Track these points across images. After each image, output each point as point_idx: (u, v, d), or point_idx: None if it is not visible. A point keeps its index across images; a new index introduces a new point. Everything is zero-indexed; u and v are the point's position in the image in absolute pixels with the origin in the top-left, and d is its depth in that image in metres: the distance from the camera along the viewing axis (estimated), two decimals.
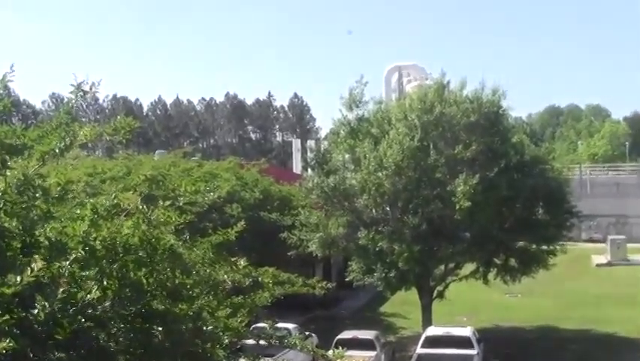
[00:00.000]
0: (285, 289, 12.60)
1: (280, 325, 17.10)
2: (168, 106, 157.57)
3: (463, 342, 28.49)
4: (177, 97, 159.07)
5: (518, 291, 43.15)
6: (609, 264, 61.10)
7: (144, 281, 8.37)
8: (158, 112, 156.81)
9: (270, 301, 12.18)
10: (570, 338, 35.90)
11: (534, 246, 34.39)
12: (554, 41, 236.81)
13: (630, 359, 31.57)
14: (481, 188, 30.27)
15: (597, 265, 61.45)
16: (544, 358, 32.17)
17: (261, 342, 11.38)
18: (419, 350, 28.41)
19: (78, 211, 7.92)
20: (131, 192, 8.61)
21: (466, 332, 29.61)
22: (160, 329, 8.43)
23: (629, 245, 62.92)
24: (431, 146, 31.97)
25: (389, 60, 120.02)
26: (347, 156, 34.84)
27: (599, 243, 69.48)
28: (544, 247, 34.51)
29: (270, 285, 11.81)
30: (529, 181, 32.87)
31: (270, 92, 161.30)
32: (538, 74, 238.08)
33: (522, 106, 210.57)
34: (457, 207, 30.07)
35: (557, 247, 34.81)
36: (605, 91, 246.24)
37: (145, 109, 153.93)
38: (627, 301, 43.37)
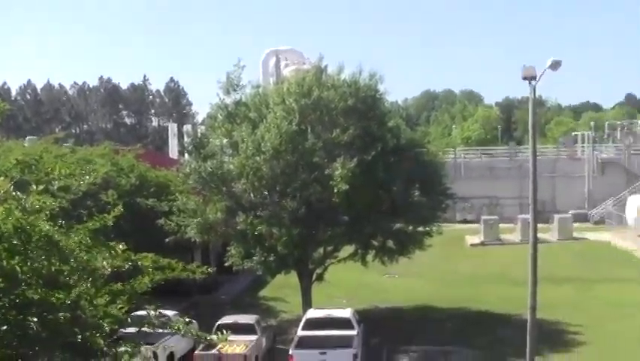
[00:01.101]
0: (166, 274, 12.36)
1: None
2: (38, 90, 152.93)
3: (343, 323, 28.75)
4: (48, 81, 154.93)
5: (396, 272, 43.89)
6: (482, 244, 62.86)
7: (18, 270, 8.05)
8: (28, 97, 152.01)
9: (149, 287, 11.94)
10: (447, 316, 36.77)
11: (411, 227, 34.91)
12: (430, 28, 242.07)
13: (502, 334, 32.58)
14: (358, 171, 30.51)
15: (471, 245, 63.14)
16: (422, 336, 32.78)
17: (145, 329, 11.17)
18: (300, 332, 28.52)
19: None
20: (1, 178, 8.26)
21: (346, 313, 29.89)
22: (35, 319, 8.13)
23: (500, 225, 64.80)
24: (309, 130, 32.03)
25: (267, 44, 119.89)
26: (225, 140, 34.54)
27: (472, 223, 71.40)
28: (421, 229, 35.07)
29: (150, 270, 11.56)
30: (405, 164, 33.33)
31: (145, 76, 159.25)
32: (415, 60, 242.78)
33: (398, 91, 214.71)
34: (335, 190, 30.25)
35: (433, 228, 35.40)
36: (479, 77, 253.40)
37: (13, 93, 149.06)
38: (499, 280, 44.82)
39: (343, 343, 27.04)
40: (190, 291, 38.75)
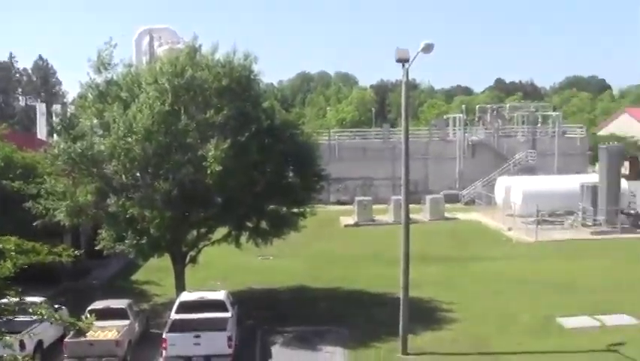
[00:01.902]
0: (30, 259, 11.83)
1: (26, 299, 16.25)
2: None
3: (217, 306, 28.60)
4: None
5: (270, 253, 43.95)
6: (356, 224, 63.77)
7: None
8: None
9: (13, 272, 11.42)
10: (321, 297, 37.00)
11: (285, 209, 34.93)
12: (305, 9, 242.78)
13: (377, 312, 33.08)
14: (232, 152, 30.22)
15: (345, 226, 63.90)
16: (297, 317, 32.94)
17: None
18: (173, 315, 28.22)
19: None
20: None
21: (220, 295, 29.71)
22: None
23: (374, 206, 65.92)
24: (182, 110, 31.50)
25: (140, 23, 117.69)
26: (95, 120, 33.57)
27: (346, 205, 72.25)
28: (295, 210, 35.14)
29: (13, 254, 11.04)
30: (279, 146, 33.25)
31: (11, 54, 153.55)
32: (290, 42, 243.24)
33: (273, 72, 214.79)
34: (209, 171, 29.91)
35: (307, 210, 35.49)
36: (353, 59, 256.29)
37: None
38: (373, 260, 45.59)
39: (217, 325, 26.88)
40: (60, 277, 37.86)
